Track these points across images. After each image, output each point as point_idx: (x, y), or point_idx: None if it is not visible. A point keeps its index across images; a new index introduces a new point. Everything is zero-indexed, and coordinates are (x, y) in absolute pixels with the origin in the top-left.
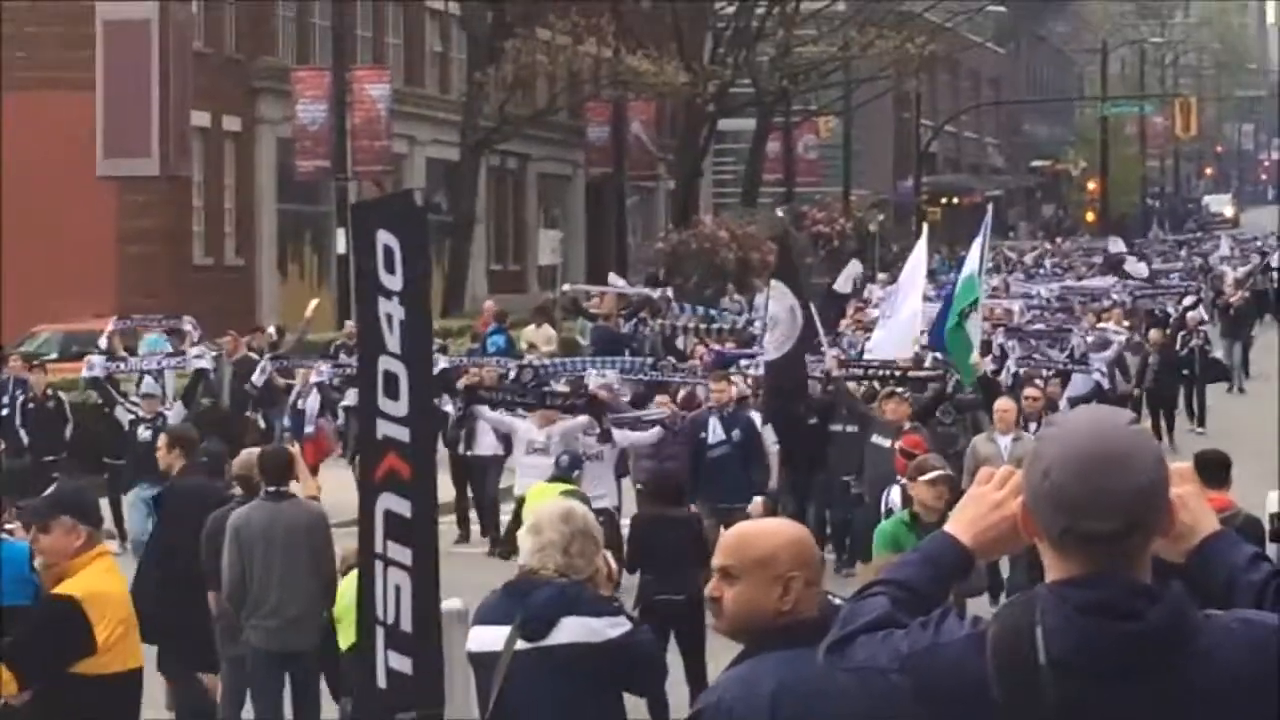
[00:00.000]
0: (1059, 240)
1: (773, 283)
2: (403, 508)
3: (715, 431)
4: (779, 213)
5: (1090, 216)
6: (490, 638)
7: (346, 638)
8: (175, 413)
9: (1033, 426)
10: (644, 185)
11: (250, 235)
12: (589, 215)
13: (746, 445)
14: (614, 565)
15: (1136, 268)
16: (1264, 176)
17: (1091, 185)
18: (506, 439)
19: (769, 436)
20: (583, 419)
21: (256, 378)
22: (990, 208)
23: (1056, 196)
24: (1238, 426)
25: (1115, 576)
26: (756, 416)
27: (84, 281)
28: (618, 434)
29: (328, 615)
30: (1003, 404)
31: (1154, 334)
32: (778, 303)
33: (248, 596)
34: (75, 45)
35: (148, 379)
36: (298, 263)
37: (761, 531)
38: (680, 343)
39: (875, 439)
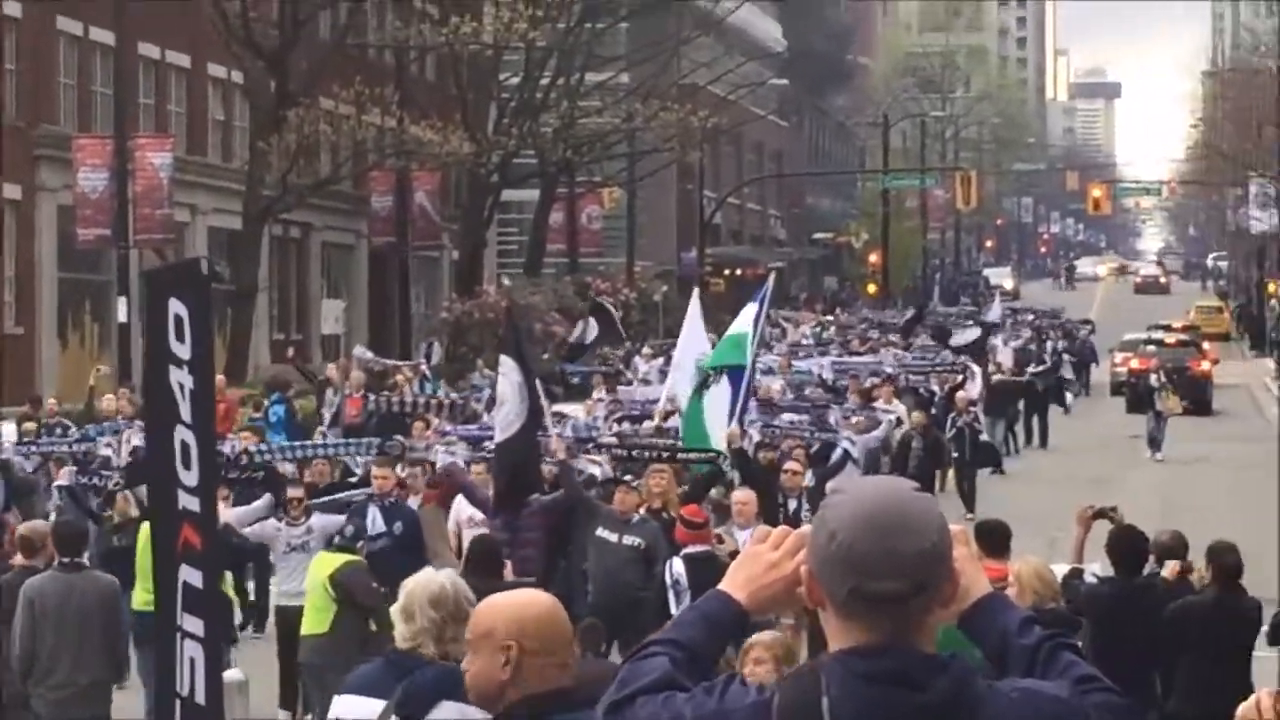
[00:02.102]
0: (837, 312)
1: (501, 358)
2: (195, 579)
3: (375, 523)
4: (567, 280)
5: (872, 288)
6: (361, 709)
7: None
8: None
9: (792, 504)
10: (428, 255)
11: (30, 303)
12: (372, 284)
13: (407, 539)
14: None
15: (961, 333)
16: (1043, 249)
17: (873, 257)
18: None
19: None
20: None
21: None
22: (772, 276)
23: (839, 269)
24: (1003, 510)
25: (902, 645)
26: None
27: None
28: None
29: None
30: (740, 496)
31: (916, 416)
32: (505, 379)
33: (36, 666)
34: None
35: None
36: (78, 331)
37: (489, 604)
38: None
39: (600, 532)
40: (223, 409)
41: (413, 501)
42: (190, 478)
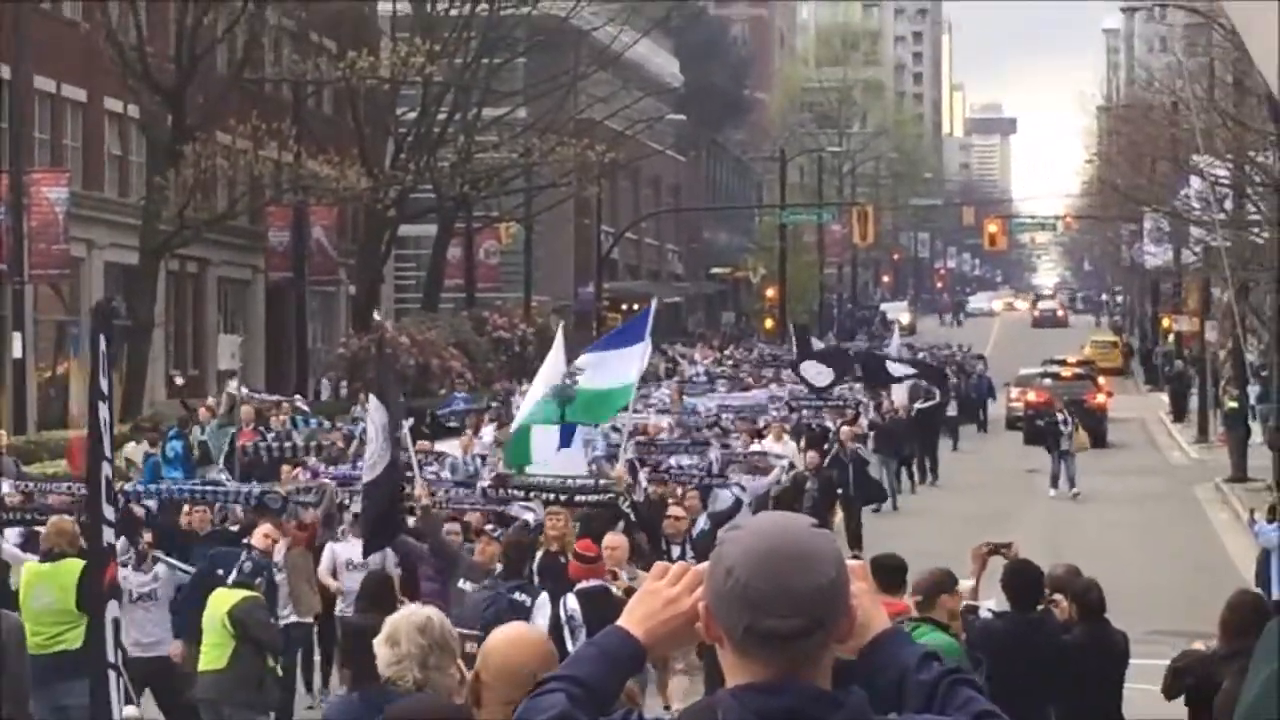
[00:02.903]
0: (731, 347)
1: (370, 398)
2: (118, 613)
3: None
4: (464, 315)
5: (769, 323)
6: None
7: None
8: None
9: (675, 550)
10: (325, 290)
11: None
12: (270, 320)
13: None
14: (466, 673)
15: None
16: (940, 284)
17: (770, 292)
18: None
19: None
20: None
21: None
22: (653, 304)
23: (736, 303)
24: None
25: (797, 681)
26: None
27: None
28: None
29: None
30: (611, 540)
31: (812, 456)
32: (372, 420)
33: None
34: None
35: None
36: None
37: (514, 642)
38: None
39: (461, 584)
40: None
41: (281, 545)
42: (111, 513)
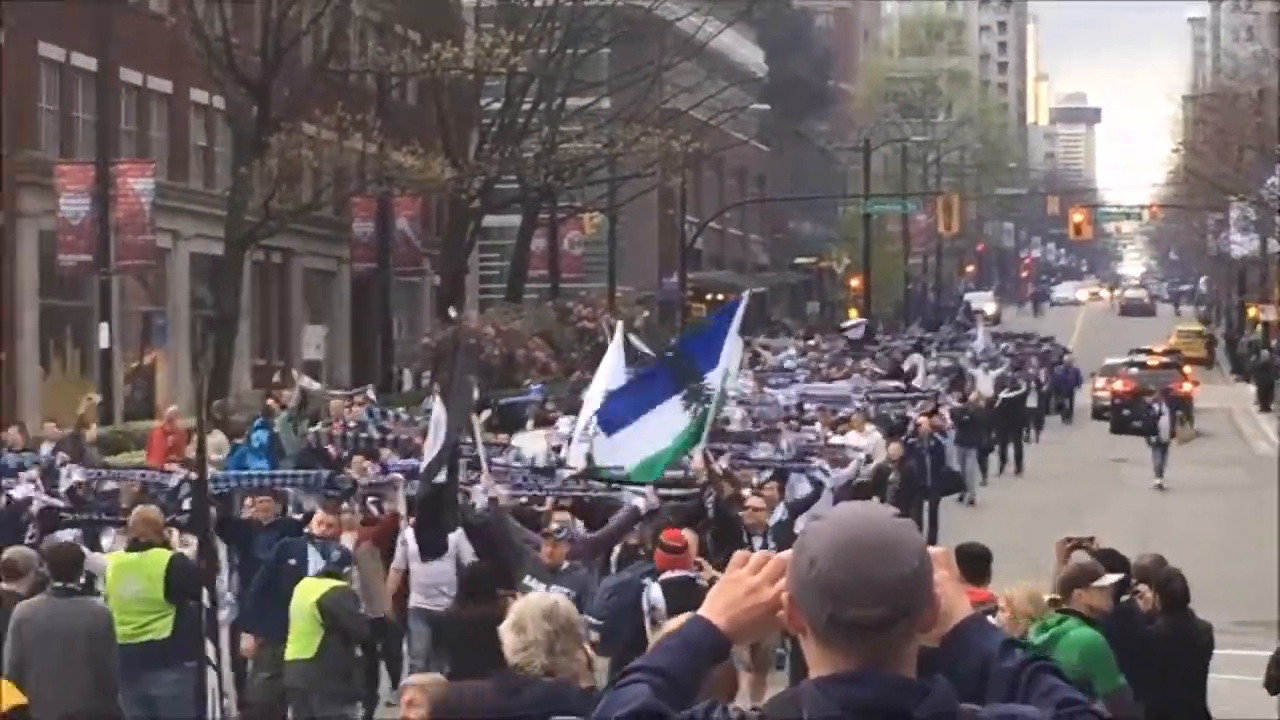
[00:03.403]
0: (816, 338)
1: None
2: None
3: (317, 562)
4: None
5: (854, 313)
6: None
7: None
8: None
9: (756, 542)
10: (409, 280)
11: (11, 329)
12: (354, 310)
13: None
14: (593, 654)
15: (913, 361)
16: (1024, 274)
17: (855, 282)
18: None
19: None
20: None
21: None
22: (745, 297)
23: (821, 293)
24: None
25: (882, 672)
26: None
27: None
28: None
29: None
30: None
31: (894, 448)
32: (435, 415)
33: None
34: None
35: None
36: (60, 357)
37: None
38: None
39: (527, 581)
40: (173, 441)
41: (346, 539)
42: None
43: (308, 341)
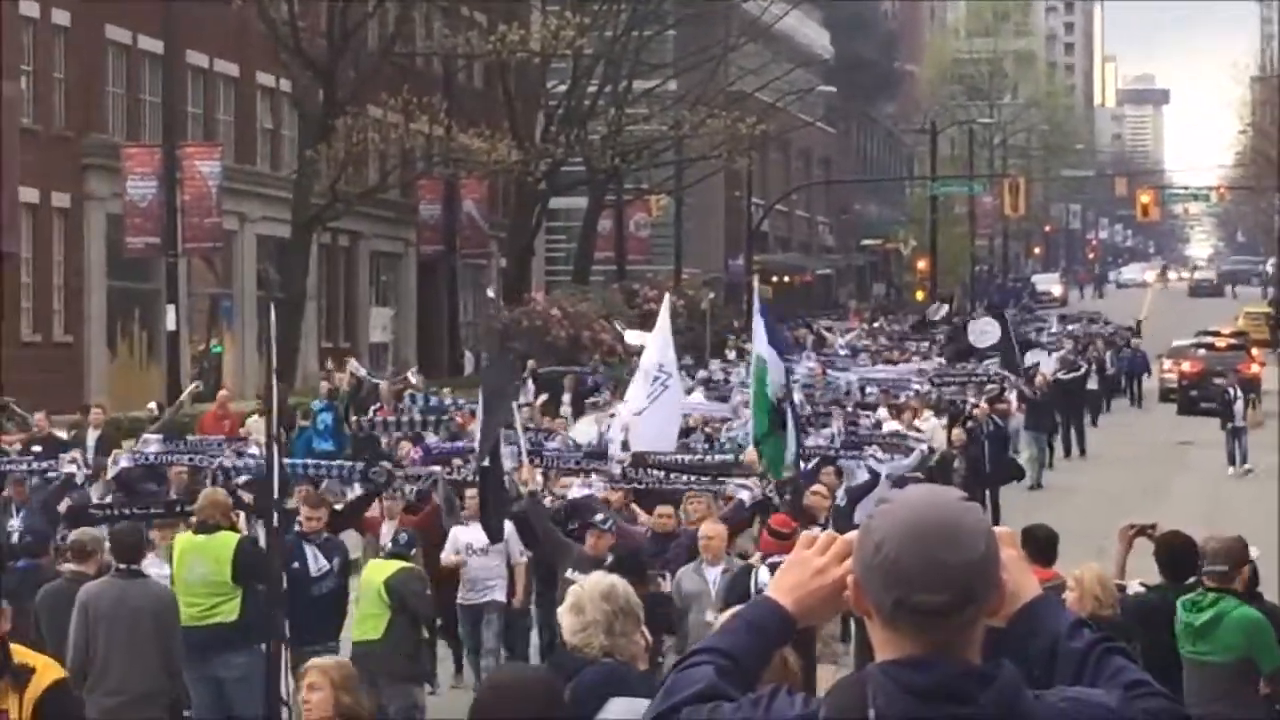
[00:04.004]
0: (882, 320)
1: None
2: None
3: (317, 560)
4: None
5: (920, 295)
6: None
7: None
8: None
9: (816, 530)
10: (476, 262)
11: (79, 312)
12: (421, 293)
13: (343, 577)
14: (650, 638)
15: (983, 332)
16: (1091, 256)
17: (921, 264)
18: None
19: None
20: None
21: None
22: (758, 291)
23: (887, 275)
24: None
25: (948, 658)
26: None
27: None
28: None
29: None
30: (709, 529)
31: (956, 434)
32: (481, 399)
33: (90, 672)
34: None
35: None
36: (127, 340)
37: None
38: (385, 440)
39: (569, 574)
40: (228, 425)
41: (387, 527)
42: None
43: (374, 324)
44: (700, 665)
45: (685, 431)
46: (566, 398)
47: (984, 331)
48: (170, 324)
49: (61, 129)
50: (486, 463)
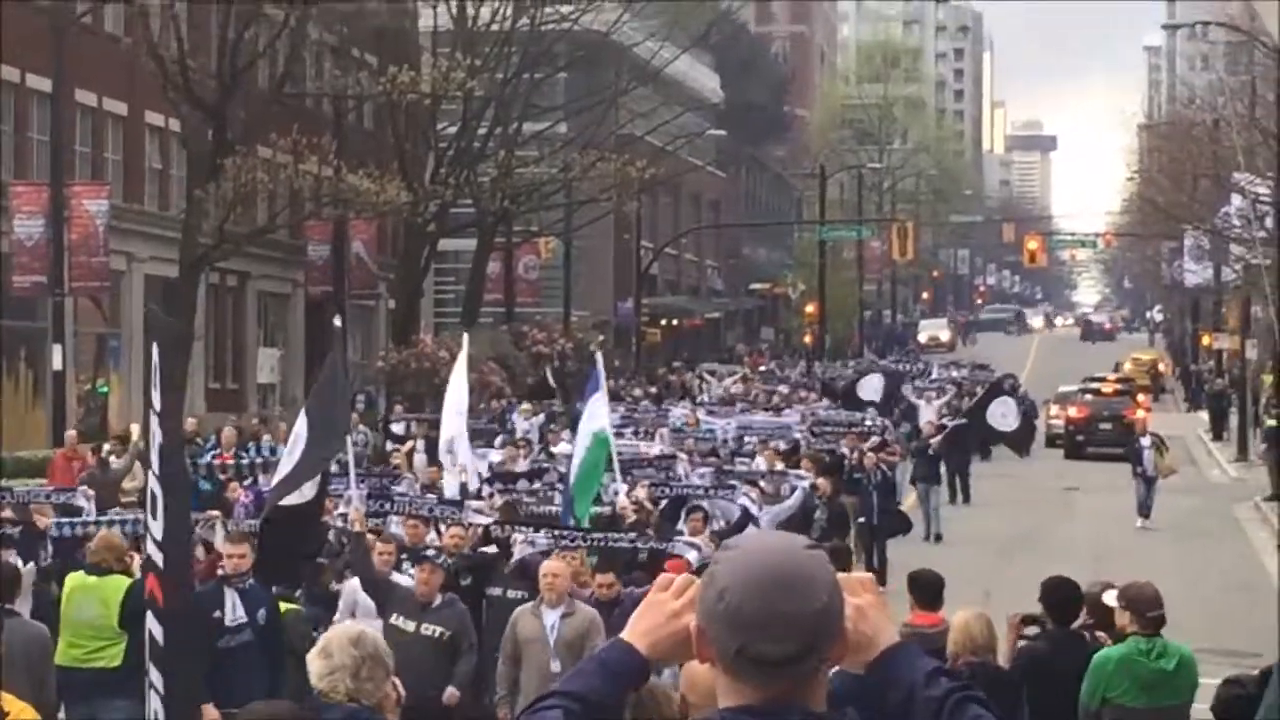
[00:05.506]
0: (775, 364)
1: (301, 414)
2: (158, 632)
3: (235, 610)
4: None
5: (808, 339)
6: None
7: None
8: None
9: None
10: (364, 304)
11: None
12: (309, 333)
13: (270, 632)
14: (401, 690)
15: (874, 389)
16: (979, 301)
17: (810, 308)
18: None
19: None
20: None
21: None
22: (599, 358)
23: (775, 319)
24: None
25: (789, 706)
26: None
27: None
28: None
29: None
30: (551, 566)
31: (822, 483)
32: (295, 430)
33: None
34: None
35: None
36: (13, 379)
37: None
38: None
39: (395, 619)
40: (78, 468)
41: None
42: (156, 529)
43: (262, 364)
44: (550, 709)
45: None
46: (421, 444)
47: (872, 386)
48: (56, 363)
49: None
50: (299, 498)
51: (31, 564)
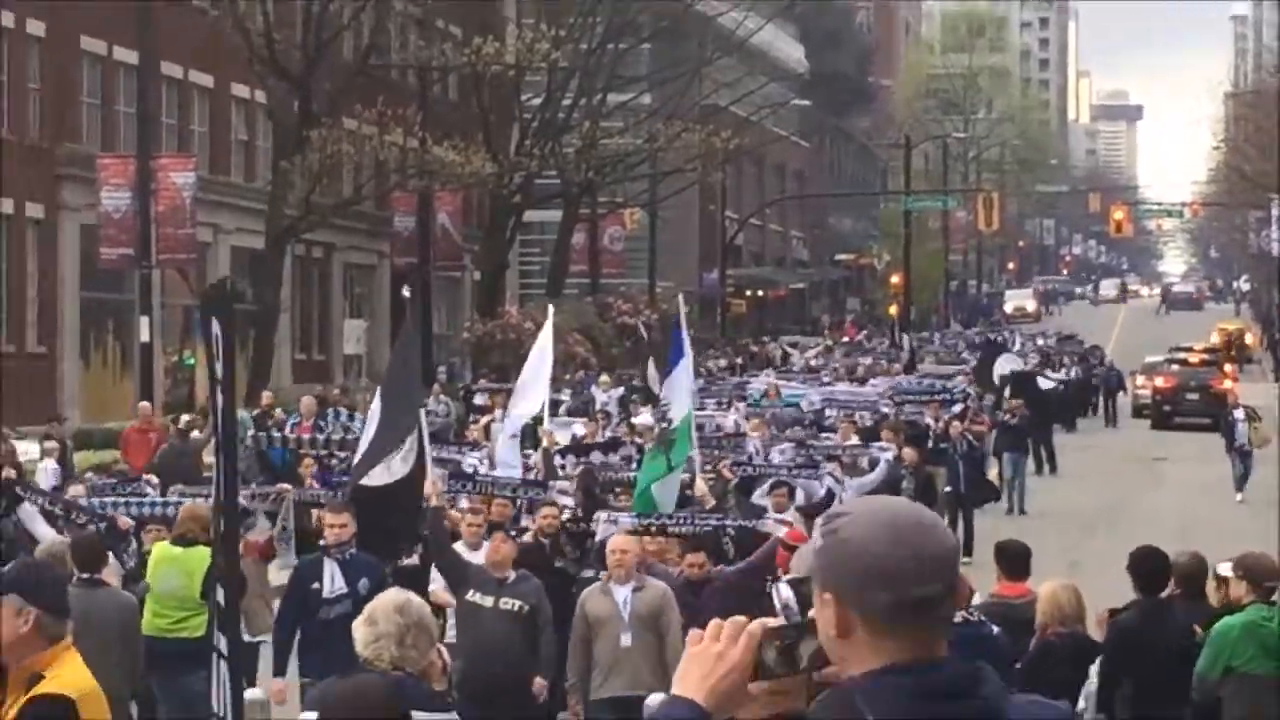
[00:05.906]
0: (864, 334)
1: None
2: (220, 597)
3: (334, 581)
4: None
5: (893, 310)
6: None
7: None
8: None
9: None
10: (450, 275)
11: (52, 323)
12: (394, 305)
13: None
14: (448, 658)
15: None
16: (1064, 272)
17: (895, 279)
18: None
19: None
20: None
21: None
22: (682, 315)
23: (861, 290)
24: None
25: (944, 657)
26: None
27: None
28: None
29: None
30: (618, 542)
31: (908, 453)
32: (372, 409)
33: None
34: None
35: None
36: (100, 351)
37: None
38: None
39: (471, 595)
40: (154, 439)
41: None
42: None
43: (348, 336)
44: None
45: None
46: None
47: (1009, 362)
48: (144, 336)
49: (36, 140)
50: (393, 475)
51: (117, 563)
